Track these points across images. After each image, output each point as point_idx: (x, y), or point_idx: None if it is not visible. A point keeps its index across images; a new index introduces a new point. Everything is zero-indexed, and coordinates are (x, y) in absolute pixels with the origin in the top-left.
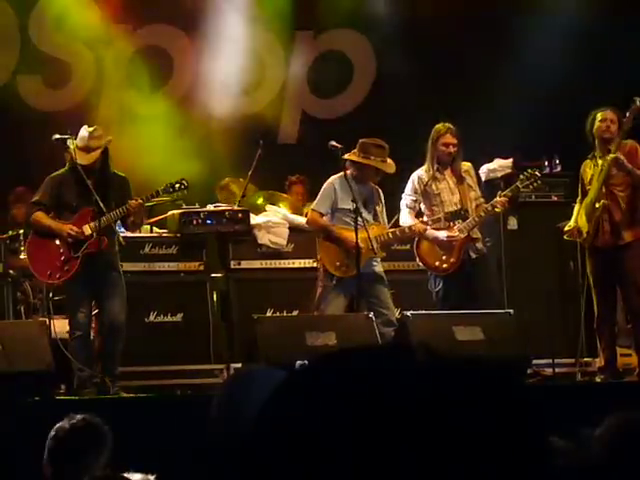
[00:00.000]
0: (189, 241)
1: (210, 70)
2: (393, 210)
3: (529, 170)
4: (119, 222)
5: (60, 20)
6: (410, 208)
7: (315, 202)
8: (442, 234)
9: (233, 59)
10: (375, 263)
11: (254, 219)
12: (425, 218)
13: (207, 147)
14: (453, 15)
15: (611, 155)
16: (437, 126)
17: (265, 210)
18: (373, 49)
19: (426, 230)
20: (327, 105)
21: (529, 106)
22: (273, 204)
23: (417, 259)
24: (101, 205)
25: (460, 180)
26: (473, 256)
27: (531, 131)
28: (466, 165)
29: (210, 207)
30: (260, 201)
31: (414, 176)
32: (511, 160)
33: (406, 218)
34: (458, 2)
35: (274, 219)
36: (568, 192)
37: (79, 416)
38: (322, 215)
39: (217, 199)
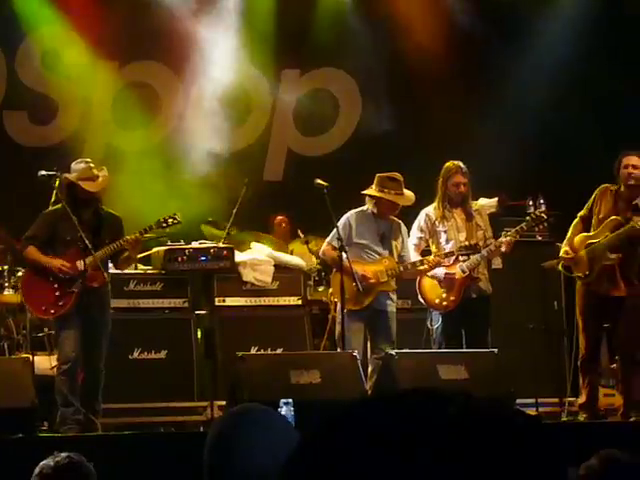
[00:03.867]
0: (174, 278)
1: (196, 107)
2: None
3: (535, 212)
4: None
5: (47, 56)
6: (415, 245)
7: (331, 236)
8: (440, 270)
9: (219, 96)
10: (389, 300)
11: (239, 256)
12: (411, 250)
13: (192, 183)
14: (437, 54)
15: (638, 223)
16: (447, 164)
17: (250, 248)
18: (359, 87)
19: (440, 263)
20: (313, 143)
21: (513, 146)
22: (258, 242)
23: (419, 295)
24: (87, 242)
25: (469, 218)
26: (474, 296)
27: (515, 171)
28: (477, 204)
29: (195, 244)
30: (245, 239)
31: (422, 214)
32: (496, 199)
33: (412, 255)
34: (442, 42)
35: (259, 256)
36: (553, 232)
37: (63, 454)
38: (335, 248)
39: (203, 236)
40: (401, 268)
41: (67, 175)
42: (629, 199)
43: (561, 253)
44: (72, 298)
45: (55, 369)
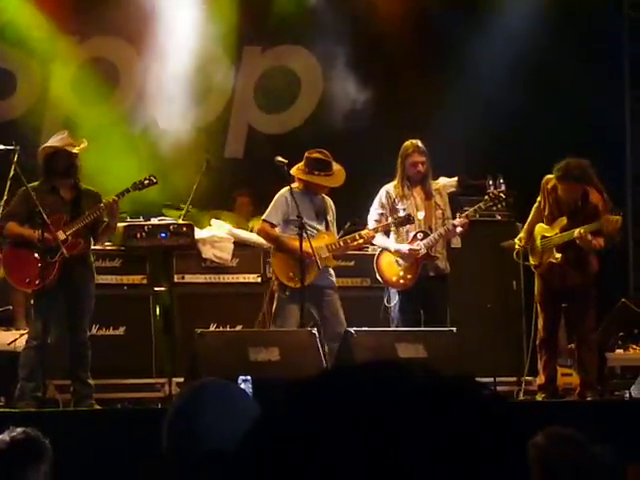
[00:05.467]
0: (133, 254)
1: (157, 83)
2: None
3: (494, 191)
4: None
5: (6, 29)
6: (376, 221)
7: (266, 213)
8: (405, 247)
9: (180, 72)
10: (329, 275)
11: (199, 233)
12: (370, 225)
13: (153, 160)
14: (402, 32)
15: (582, 232)
16: (405, 144)
17: (210, 225)
18: (320, 65)
19: (374, 237)
20: (274, 120)
21: (474, 126)
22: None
23: (376, 273)
24: (45, 217)
25: (428, 197)
26: (431, 274)
27: (475, 150)
28: (438, 184)
29: (154, 220)
30: (205, 217)
31: (382, 191)
32: (456, 179)
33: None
34: (407, 20)
35: (219, 233)
36: (512, 212)
37: (19, 429)
38: (273, 226)
39: (162, 213)
40: (341, 243)
41: (49, 143)
42: (567, 200)
43: (516, 239)
44: (54, 268)
45: (14, 344)
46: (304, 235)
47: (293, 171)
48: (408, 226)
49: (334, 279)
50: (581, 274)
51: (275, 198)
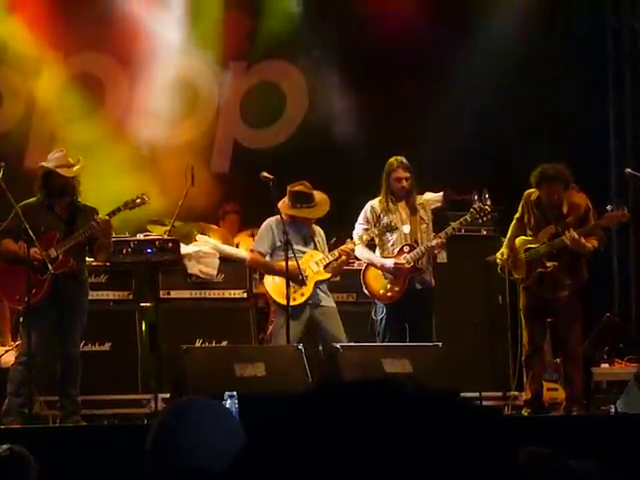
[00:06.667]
0: (118, 270)
1: (142, 98)
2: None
3: (479, 204)
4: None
5: None
6: (359, 237)
7: (255, 243)
8: (389, 261)
9: (166, 88)
10: (323, 293)
11: (184, 249)
12: (355, 238)
13: (138, 176)
14: (388, 48)
15: (572, 235)
16: (390, 160)
17: (196, 240)
18: (306, 80)
19: (353, 249)
20: (259, 135)
21: (460, 142)
22: (204, 234)
23: (363, 287)
24: (31, 234)
25: (413, 212)
26: (418, 287)
27: (461, 165)
28: (422, 198)
29: (140, 236)
30: (190, 231)
31: (367, 206)
32: (441, 194)
33: (357, 247)
34: (393, 37)
35: (204, 249)
36: (497, 226)
37: (4, 446)
38: (263, 255)
39: (147, 229)
40: (329, 257)
41: (44, 163)
42: (551, 207)
43: (498, 254)
44: (44, 286)
45: (0, 359)
46: (291, 255)
47: (280, 205)
48: (393, 239)
49: (329, 296)
50: (574, 281)
51: (261, 228)
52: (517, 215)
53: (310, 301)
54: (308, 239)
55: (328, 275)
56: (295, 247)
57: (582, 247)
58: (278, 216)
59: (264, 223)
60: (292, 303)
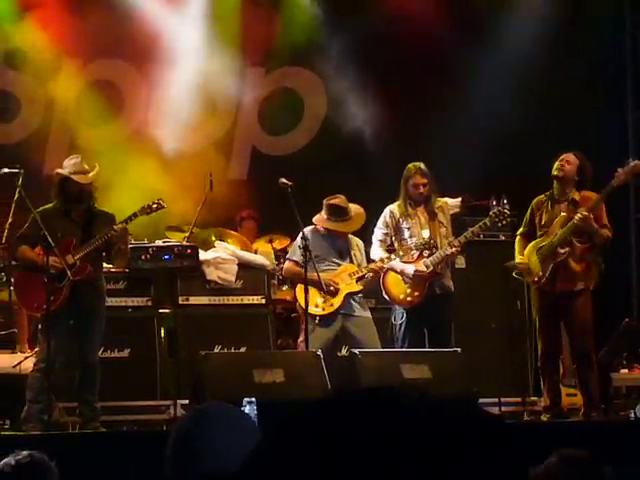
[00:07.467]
0: (137, 276)
1: (161, 105)
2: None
3: (498, 208)
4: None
5: (11, 54)
6: (380, 241)
7: (290, 252)
8: (410, 268)
9: (184, 94)
10: (356, 304)
11: (203, 255)
12: (375, 244)
13: (157, 182)
14: (405, 54)
15: (583, 213)
16: (408, 166)
17: (214, 246)
18: (324, 87)
19: (382, 268)
20: (278, 142)
21: (479, 147)
22: (222, 240)
23: (383, 292)
24: (50, 240)
25: (432, 216)
26: (438, 292)
27: (479, 171)
28: (441, 201)
29: (159, 242)
30: (209, 236)
31: (386, 210)
32: (459, 199)
33: (376, 251)
34: (411, 43)
35: (223, 255)
36: (516, 232)
37: (25, 452)
38: (297, 263)
39: (165, 235)
40: (363, 269)
41: (60, 170)
42: (563, 195)
43: (517, 260)
44: (62, 293)
45: (19, 366)
46: (324, 267)
47: (315, 218)
48: (413, 243)
49: (364, 307)
50: (585, 273)
51: (297, 239)
52: (520, 231)
53: (342, 311)
54: (344, 252)
55: (359, 287)
56: (331, 259)
57: (592, 226)
58: (313, 226)
59: (301, 232)
60: (321, 313)
